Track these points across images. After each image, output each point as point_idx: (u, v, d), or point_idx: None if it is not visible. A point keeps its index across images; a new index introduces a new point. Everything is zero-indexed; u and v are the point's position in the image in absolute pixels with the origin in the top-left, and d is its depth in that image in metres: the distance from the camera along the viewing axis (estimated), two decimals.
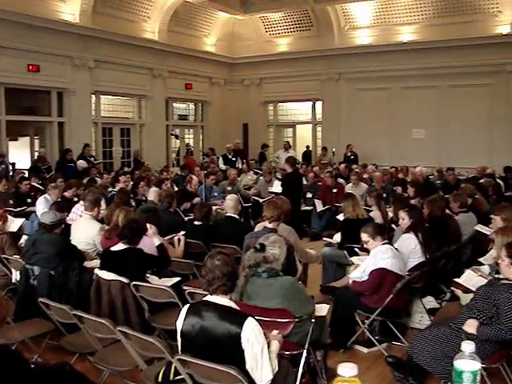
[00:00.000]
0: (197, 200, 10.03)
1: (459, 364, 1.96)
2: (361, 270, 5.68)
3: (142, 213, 6.55)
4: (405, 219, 6.38)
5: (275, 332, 3.78)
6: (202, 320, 3.40)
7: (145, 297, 5.13)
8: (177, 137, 15.54)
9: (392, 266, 5.43)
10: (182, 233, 6.63)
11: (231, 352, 3.33)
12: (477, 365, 1.95)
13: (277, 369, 3.49)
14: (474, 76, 17.03)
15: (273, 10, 19.16)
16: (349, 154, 17.82)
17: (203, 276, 3.57)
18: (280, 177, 12.92)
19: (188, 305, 3.63)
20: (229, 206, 7.32)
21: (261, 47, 20.59)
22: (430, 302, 6.29)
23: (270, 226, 5.90)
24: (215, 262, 3.52)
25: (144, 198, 9.68)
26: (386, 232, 5.85)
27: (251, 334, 3.31)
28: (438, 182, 13.27)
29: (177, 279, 5.68)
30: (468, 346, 1.99)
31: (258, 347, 3.34)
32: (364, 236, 5.77)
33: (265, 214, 6.02)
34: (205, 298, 3.56)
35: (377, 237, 5.67)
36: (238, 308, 3.55)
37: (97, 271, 5.25)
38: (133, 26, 17.16)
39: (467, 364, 1.96)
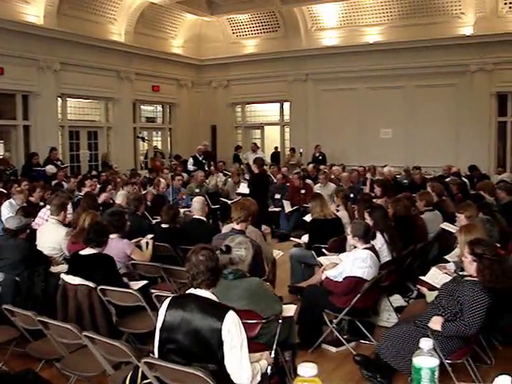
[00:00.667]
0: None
1: (418, 361, 1.99)
2: (338, 270, 5.70)
3: (107, 216, 6.49)
4: (367, 219, 6.44)
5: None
6: (184, 312, 3.41)
7: (112, 301, 5.09)
8: (143, 139, 15.40)
9: (368, 275, 5.45)
10: (150, 236, 6.60)
11: (212, 344, 3.33)
12: (435, 361, 1.98)
13: (259, 376, 3.51)
14: (439, 76, 17.26)
15: (240, 11, 19.16)
16: (317, 154, 17.93)
17: (187, 271, 3.59)
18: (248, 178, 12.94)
19: (170, 297, 3.63)
20: (195, 208, 7.31)
21: (228, 49, 20.59)
22: (397, 300, 6.35)
23: (237, 227, 5.90)
24: (199, 257, 3.55)
25: (111, 202, 9.60)
26: (370, 237, 5.80)
27: (232, 326, 3.32)
28: (405, 181, 13.41)
29: (144, 282, 5.64)
30: (426, 343, 2.02)
31: (237, 340, 3.34)
32: (349, 232, 5.79)
33: (232, 215, 6.02)
34: (188, 291, 3.58)
35: (361, 239, 5.67)
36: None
37: (63, 276, 5.19)
38: (99, 28, 17.02)
39: (426, 361, 1.98)
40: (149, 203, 9.79)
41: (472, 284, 4.36)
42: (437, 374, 1.99)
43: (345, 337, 5.75)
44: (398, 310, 6.10)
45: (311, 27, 19.25)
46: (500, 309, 5.31)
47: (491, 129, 17.10)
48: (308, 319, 5.63)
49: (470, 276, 4.51)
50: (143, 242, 6.51)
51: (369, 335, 5.71)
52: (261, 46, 20.21)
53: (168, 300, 3.56)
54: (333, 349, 5.67)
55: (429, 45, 16.85)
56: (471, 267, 4.46)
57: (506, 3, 16.27)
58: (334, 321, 5.62)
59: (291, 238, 8.78)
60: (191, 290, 3.56)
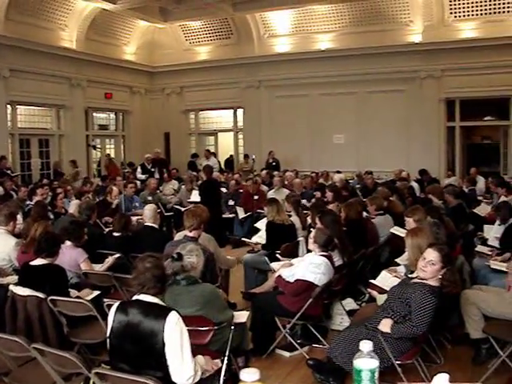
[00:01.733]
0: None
1: (358, 363, 2.03)
2: (291, 271, 5.73)
3: (67, 224, 6.40)
4: (318, 224, 6.51)
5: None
6: (128, 317, 3.42)
7: (63, 311, 5.02)
8: (94, 147, 15.21)
9: (319, 281, 5.48)
10: (117, 256, 6.48)
11: (156, 349, 3.34)
12: (375, 363, 2.02)
13: (199, 372, 3.52)
14: (390, 82, 17.56)
15: (192, 18, 19.11)
16: (270, 160, 18.01)
17: (134, 278, 3.60)
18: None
19: (117, 303, 3.62)
20: (147, 215, 7.27)
21: (181, 55, 20.52)
22: (349, 303, 6.43)
23: (190, 234, 5.91)
24: (146, 264, 3.57)
25: (63, 211, 9.47)
26: (330, 246, 5.82)
27: (173, 326, 3.35)
28: (358, 185, 13.58)
29: (96, 293, 5.58)
30: (366, 346, 2.06)
31: (178, 340, 3.36)
32: (312, 237, 5.84)
33: (185, 223, 6.03)
34: (133, 298, 3.59)
35: (320, 247, 5.70)
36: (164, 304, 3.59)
37: (12, 287, 5.10)
38: (49, 34, 16.77)
39: (366, 362, 2.02)
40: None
41: (420, 286, 4.46)
42: (377, 375, 2.03)
43: (298, 341, 5.80)
44: (351, 313, 6.17)
45: (264, 34, 19.37)
46: (448, 309, 5.46)
47: (440, 134, 17.50)
48: (261, 325, 5.64)
49: (418, 278, 4.61)
50: (108, 260, 6.42)
51: (322, 339, 5.76)
52: (214, 53, 20.22)
53: (115, 306, 3.56)
54: (286, 354, 5.70)
55: (379, 52, 17.16)
56: (434, 272, 4.55)
57: (451, 12, 16.71)
58: (287, 326, 5.65)
59: (243, 239, 8.81)
60: (137, 296, 3.57)
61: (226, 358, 4.24)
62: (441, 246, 4.75)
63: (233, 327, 4.37)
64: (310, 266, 5.54)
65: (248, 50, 19.31)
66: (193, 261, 4.43)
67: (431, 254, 4.56)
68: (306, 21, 18.56)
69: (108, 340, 3.51)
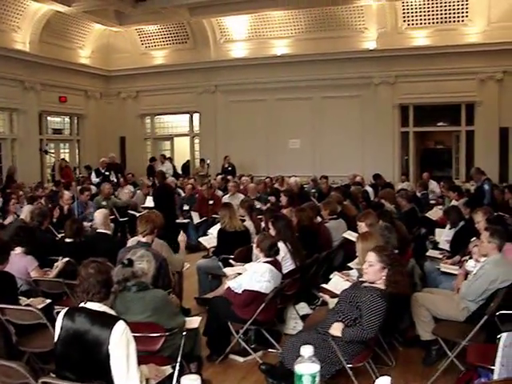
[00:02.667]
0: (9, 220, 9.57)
1: (299, 368, 2.05)
2: (238, 282, 5.71)
3: (18, 230, 6.27)
4: (271, 228, 6.53)
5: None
6: (75, 324, 3.37)
7: (11, 320, 4.92)
8: (46, 152, 14.91)
9: (266, 289, 5.47)
10: (65, 260, 6.38)
11: (100, 358, 3.29)
12: (316, 367, 2.04)
13: (144, 383, 3.49)
14: (345, 88, 17.77)
15: (149, 22, 19.03)
16: (226, 165, 18.00)
17: (78, 285, 3.55)
18: None
19: (64, 310, 3.56)
20: (97, 221, 7.18)
21: (137, 59, 20.39)
22: (303, 308, 6.45)
23: (143, 239, 5.87)
24: (89, 270, 3.52)
25: (16, 216, 9.29)
26: (273, 252, 5.81)
27: (118, 336, 3.30)
28: (313, 190, 13.67)
29: (48, 301, 5.48)
30: (306, 351, 2.08)
31: (124, 351, 3.32)
32: (255, 242, 5.84)
33: (138, 228, 5.98)
34: (80, 305, 3.53)
35: (263, 251, 5.71)
36: (112, 312, 3.54)
37: None
38: (1, 36, 16.46)
39: (306, 367, 2.04)
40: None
41: (370, 290, 4.51)
42: (317, 379, 2.05)
43: (252, 346, 5.80)
44: (304, 317, 6.19)
45: (220, 39, 19.39)
46: (400, 311, 5.55)
47: (394, 139, 17.79)
48: (215, 330, 5.64)
49: (369, 282, 4.67)
50: (56, 264, 6.31)
51: (275, 344, 5.77)
52: (170, 57, 20.16)
53: (63, 312, 3.51)
54: (240, 359, 5.70)
55: (334, 58, 17.37)
56: (379, 275, 4.61)
57: (404, 20, 17.06)
58: (241, 331, 5.65)
59: (199, 239, 8.77)
60: (82, 304, 3.51)
61: (177, 365, 4.21)
62: (380, 247, 4.81)
63: (184, 333, 4.35)
64: (254, 275, 5.53)
65: (204, 54, 19.31)
66: (143, 267, 4.40)
67: (370, 257, 4.64)
68: (263, 26, 18.66)
69: (55, 347, 3.45)
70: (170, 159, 19.30)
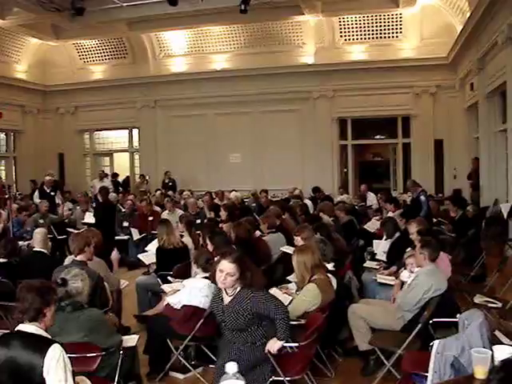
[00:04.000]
0: None
1: None
2: (177, 298, 5.67)
3: None
4: (208, 244, 6.54)
5: None
6: (8, 350, 3.25)
7: None
8: None
9: (204, 304, 5.44)
10: None
11: (33, 382, 3.19)
12: (241, 383, 2.06)
13: None
14: (284, 102, 17.99)
15: (86, 36, 18.81)
16: (166, 180, 17.91)
17: (15, 307, 3.47)
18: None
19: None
20: (36, 240, 7.02)
21: (75, 74, 20.12)
22: None
23: (78, 258, 5.77)
24: (26, 290, 3.44)
25: None
26: (210, 266, 5.69)
27: (53, 361, 3.20)
28: (254, 204, 13.72)
29: None
30: (231, 367, 2.10)
31: (61, 375, 3.22)
32: (192, 258, 5.77)
33: (71, 247, 5.89)
34: (17, 328, 3.43)
35: (200, 267, 5.70)
36: (48, 336, 3.44)
37: None
38: None
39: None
40: None
41: (247, 295, 4.36)
42: None
43: (192, 363, 5.77)
44: None
45: (159, 54, 19.34)
46: (338, 323, 5.63)
47: (333, 152, 18.08)
48: (155, 348, 5.59)
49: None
50: None
51: (215, 359, 5.74)
52: (109, 72, 19.95)
53: None
54: (180, 376, 5.66)
55: (273, 72, 17.54)
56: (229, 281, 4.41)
57: (341, 36, 17.43)
58: (180, 347, 5.61)
59: (138, 256, 8.67)
60: (18, 327, 3.43)
61: None
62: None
63: (121, 352, 4.30)
64: (193, 291, 5.52)
65: (143, 69, 19.21)
66: (78, 286, 4.33)
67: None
68: (202, 41, 18.72)
69: None
70: (114, 174, 19.02)
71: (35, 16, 15.65)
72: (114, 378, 4.21)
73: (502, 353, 2.79)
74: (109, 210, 10.61)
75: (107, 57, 20.03)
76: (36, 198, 15.12)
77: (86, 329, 4.18)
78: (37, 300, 3.42)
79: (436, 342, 3.89)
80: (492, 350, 2.92)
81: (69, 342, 4.00)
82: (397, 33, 17.01)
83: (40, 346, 3.28)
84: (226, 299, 4.41)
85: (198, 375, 5.61)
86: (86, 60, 20.29)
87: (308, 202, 12.85)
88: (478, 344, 3.54)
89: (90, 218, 10.98)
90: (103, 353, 4.10)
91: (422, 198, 11.45)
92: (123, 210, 12.82)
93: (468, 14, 12.93)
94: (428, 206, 10.93)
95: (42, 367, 3.19)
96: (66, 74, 20.14)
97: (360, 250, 9.25)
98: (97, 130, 21.08)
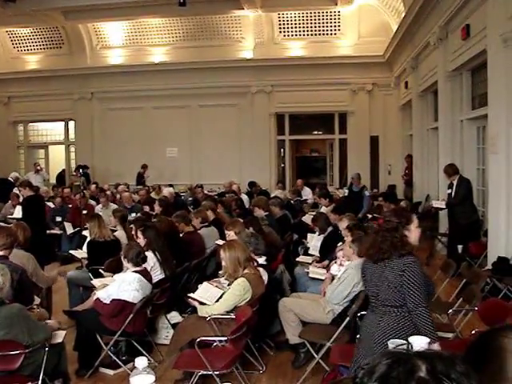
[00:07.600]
0: None
1: (134, 381, 2.06)
2: (107, 292, 5.60)
3: None
4: (140, 238, 6.49)
5: None
6: None
7: None
8: None
9: (134, 299, 5.40)
10: None
11: None
12: (151, 378, 2.07)
13: None
14: (223, 96, 17.99)
15: (20, 24, 18.26)
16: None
17: None
18: None
19: None
20: None
21: (8, 64, 19.51)
22: (174, 317, 6.44)
23: (0, 253, 5.60)
24: None
25: None
26: (140, 261, 5.74)
27: None
28: (190, 198, 13.66)
29: None
30: (141, 362, 2.10)
31: None
32: (122, 252, 5.75)
33: None
34: None
35: (130, 261, 5.64)
36: None
37: None
38: None
39: (141, 379, 2.06)
40: None
41: None
42: None
43: (124, 358, 5.72)
44: (175, 326, 6.19)
45: (97, 45, 19.01)
46: (269, 317, 5.69)
47: (271, 147, 18.23)
48: (85, 344, 5.51)
49: None
50: None
51: (146, 354, 5.71)
52: (44, 62, 19.44)
53: None
54: (110, 372, 5.60)
55: (212, 66, 17.53)
56: None
57: (280, 31, 17.57)
58: (110, 343, 5.55)
59: (70, 252, 8.56)
60: None
61: (39, 383, 4.08)
62: None
63: (47, 348, 4.21)
64: (122, 285, 5.45)
65: (80, 60, 18.83)
66: None
67: None
68: (140, 33, 18.51)
69: None
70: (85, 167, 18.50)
71: None
72: (38, 376, 4.12)
73: (418, 344, 2.86)
74: (36, 204, 10.32)
75: (42, 46, 19.53)
76: None
77: (6, 326, 4.03)
78: None
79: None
80: (409, 342, 3.00)
81: None
82: (335, 30, 17.26)
83: None
84: None
85: (129, 371, 5.55)
86: (20, 49, 19.72)
87: (244, 197, 12.91)
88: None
89: (18, 212, 10.68)
90: (26, 350, 4.02)
91: (366, 193, 11.73)
92: (53, 206, 12.52)
93: (403, 15, 13.20)
94: (370, 202, 11.19)
95: None
96: None
97: (294, 244, 9.35)
98: (31, 122, 20.53)
